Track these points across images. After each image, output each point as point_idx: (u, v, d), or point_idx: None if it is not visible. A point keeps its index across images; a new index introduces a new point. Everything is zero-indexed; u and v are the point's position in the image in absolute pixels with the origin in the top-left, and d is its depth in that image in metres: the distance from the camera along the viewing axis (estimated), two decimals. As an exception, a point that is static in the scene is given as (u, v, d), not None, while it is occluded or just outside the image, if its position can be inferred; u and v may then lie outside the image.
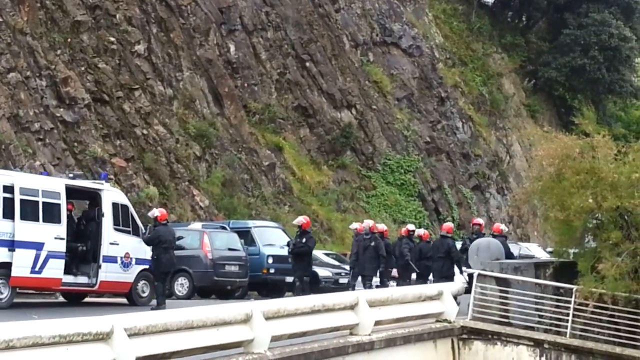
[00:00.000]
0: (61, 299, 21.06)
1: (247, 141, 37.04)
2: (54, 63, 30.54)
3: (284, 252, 26.06)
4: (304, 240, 22.13)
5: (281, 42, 41.03)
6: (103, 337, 9.39)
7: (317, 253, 31.00)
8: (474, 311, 17.59)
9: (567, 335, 17.07)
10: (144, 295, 20.79)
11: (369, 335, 14.25)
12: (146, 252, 20.46)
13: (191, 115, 35.52)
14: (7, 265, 17.59)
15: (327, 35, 43.13)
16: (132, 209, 20.80)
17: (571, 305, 16.92)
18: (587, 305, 16.73)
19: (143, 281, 20.74)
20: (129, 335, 9.62)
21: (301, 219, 22.96)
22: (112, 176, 30.05)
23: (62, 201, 18.86)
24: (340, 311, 13.82)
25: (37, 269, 18.10)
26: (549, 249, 31.89)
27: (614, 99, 61.17)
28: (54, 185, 19.18)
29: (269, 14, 40.97)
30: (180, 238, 22.50)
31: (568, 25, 55.86)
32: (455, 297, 17.82)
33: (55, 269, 18.49)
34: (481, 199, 48.24)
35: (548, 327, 17.44)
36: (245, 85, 38.69)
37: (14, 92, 28.78)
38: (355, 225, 25.37)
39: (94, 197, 20.34)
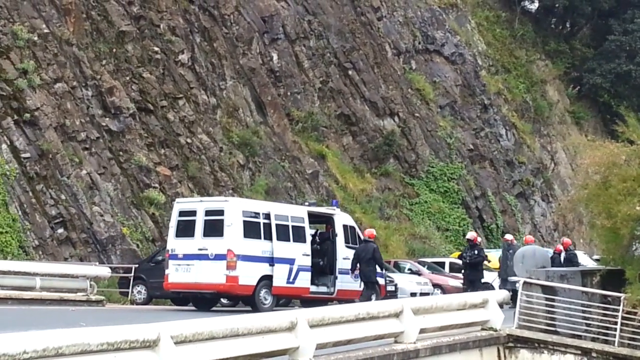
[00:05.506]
0: (109, 306, 21.29)
1: (290, 149, 37.13)
2: (99, 73, 30.90)
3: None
4: (475, 252, 24.85)
5: (323, 50, 41.09)
6: (150, 345, 9.43)
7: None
8: (520, 319, 17.43)
9: (616, 344, 16.86)
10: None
11: (414, 343, 14.16)
12: None
13: (235, 123, 35.70)
14: (270, 278, 21.22)
15: (369, 43, 43.12)
16: (357, 229, 24.21)
17: (619, 314, 16.72)
18: (635, 313, 16.53)
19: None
20: (176, 343, 9.65)
21: (473, 234, 26.18)
22: (156, 185, 30.29)
23: (306, 224, 22.51)
24: (385, 319, 13.76)
25: (291, 280, 21.71)
26: (595, 257, 31.55)
27: (660, 106, 60.31)
28: (299, 211, 22.80)
29: (311, 22, 41.06)
30: None
31: (613, 31, 55.23)
32: (501, 306, 17.70)
33: (304, 280, 22.09)
34: (525, 206, 47.85)
35: (596, 336, 17.24)
36: (288, 93, 38.80)
37: (61, 102, 29.17)
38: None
39: (328, 220, 23.97)
